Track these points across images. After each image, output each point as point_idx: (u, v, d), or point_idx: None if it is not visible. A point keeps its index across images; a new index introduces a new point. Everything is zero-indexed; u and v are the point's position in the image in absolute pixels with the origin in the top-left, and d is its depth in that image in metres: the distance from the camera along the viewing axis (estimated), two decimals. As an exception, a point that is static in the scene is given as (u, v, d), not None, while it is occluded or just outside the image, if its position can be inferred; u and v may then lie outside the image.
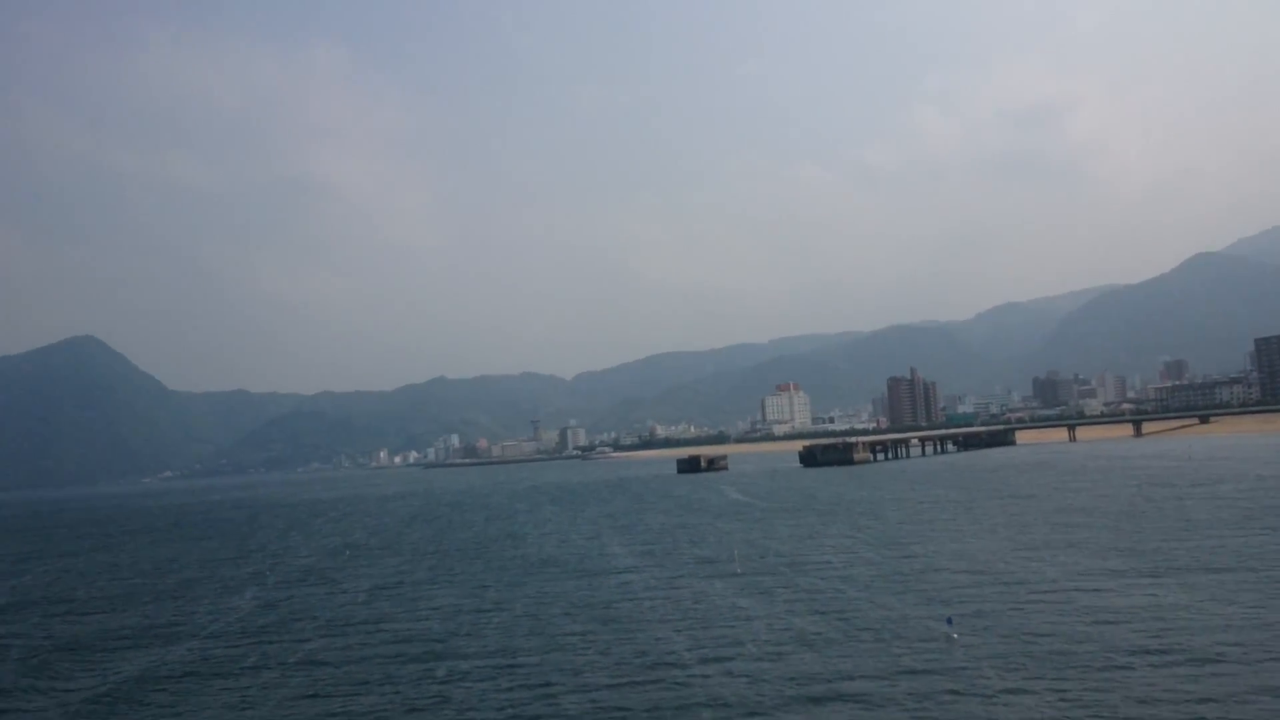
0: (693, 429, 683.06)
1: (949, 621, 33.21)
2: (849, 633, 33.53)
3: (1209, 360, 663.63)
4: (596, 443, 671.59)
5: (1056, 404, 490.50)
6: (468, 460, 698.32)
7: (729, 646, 32.63)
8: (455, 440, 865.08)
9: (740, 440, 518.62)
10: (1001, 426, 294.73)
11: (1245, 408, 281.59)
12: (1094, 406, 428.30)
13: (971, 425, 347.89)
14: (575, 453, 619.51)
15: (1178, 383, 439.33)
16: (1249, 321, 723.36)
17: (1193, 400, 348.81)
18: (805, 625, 35.27)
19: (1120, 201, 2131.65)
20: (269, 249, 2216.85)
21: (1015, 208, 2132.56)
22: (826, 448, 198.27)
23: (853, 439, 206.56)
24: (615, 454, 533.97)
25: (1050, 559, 47.45)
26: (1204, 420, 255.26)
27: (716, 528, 76.12)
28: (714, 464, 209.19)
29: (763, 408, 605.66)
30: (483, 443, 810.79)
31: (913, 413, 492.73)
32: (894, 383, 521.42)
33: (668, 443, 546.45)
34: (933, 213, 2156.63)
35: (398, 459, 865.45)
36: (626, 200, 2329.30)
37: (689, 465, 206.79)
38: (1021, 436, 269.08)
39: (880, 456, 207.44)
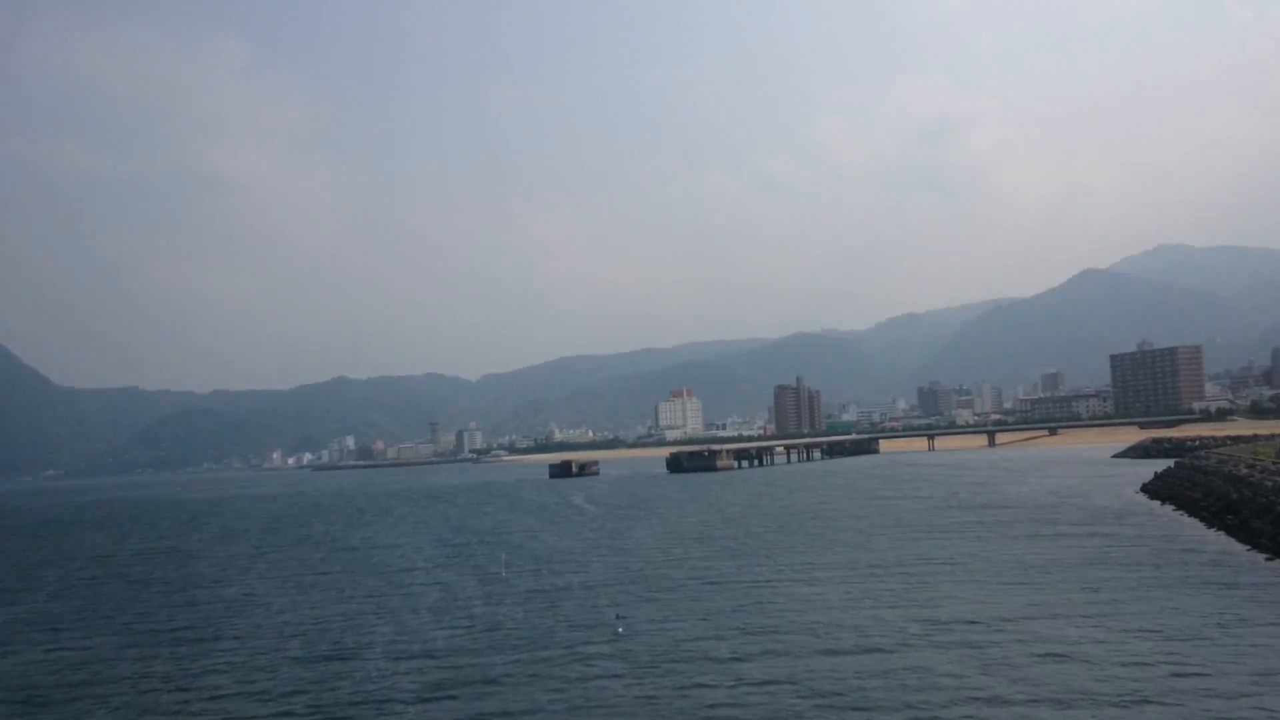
0: (590, 433, 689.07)
1: (617, 616, 39.51)
2: (533, 626, 39.33)
3: (1088, 373, 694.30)
4: (493, 446, 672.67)
5: (936, 413, 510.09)
6: (362, 463, 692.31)
7: (413, 640, 37.98)
8: (350, 442, 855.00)
9: (634, 445, 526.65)
10: (867, 436, 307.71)
11: (1092, 420, 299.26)
12: (966, 416, 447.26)
13: (850, 433, 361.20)
14: (470, 456, 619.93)
15: (1046, 395, 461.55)
16: (1129, 336, 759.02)
17: (1053, 412, 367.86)
18: (504, 617, 40.88)
19: (1016, 217, 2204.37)
20: (163, 241, 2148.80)
21: (916, 221, 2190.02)
22: (692, 455, 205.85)
23: (718, 446, 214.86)
24: (508, 458, 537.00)
25: (777, 559, 54.33)
26: (1053, 432, 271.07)
27: (525, 529, 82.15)
28: (585, 469, 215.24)
29: (656, 414, 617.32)
30: (379, 445, 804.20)
31: (797, 420, 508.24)
32: (780, 391, 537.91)
33: (562, 446, 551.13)
34: (837, 224, 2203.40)
35: (291, 460, 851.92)
36: (536, 201, 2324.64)
37: (561, 470, 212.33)
38: (885, 445, 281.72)
39: (745, 464, 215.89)
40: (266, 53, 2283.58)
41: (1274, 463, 68.65)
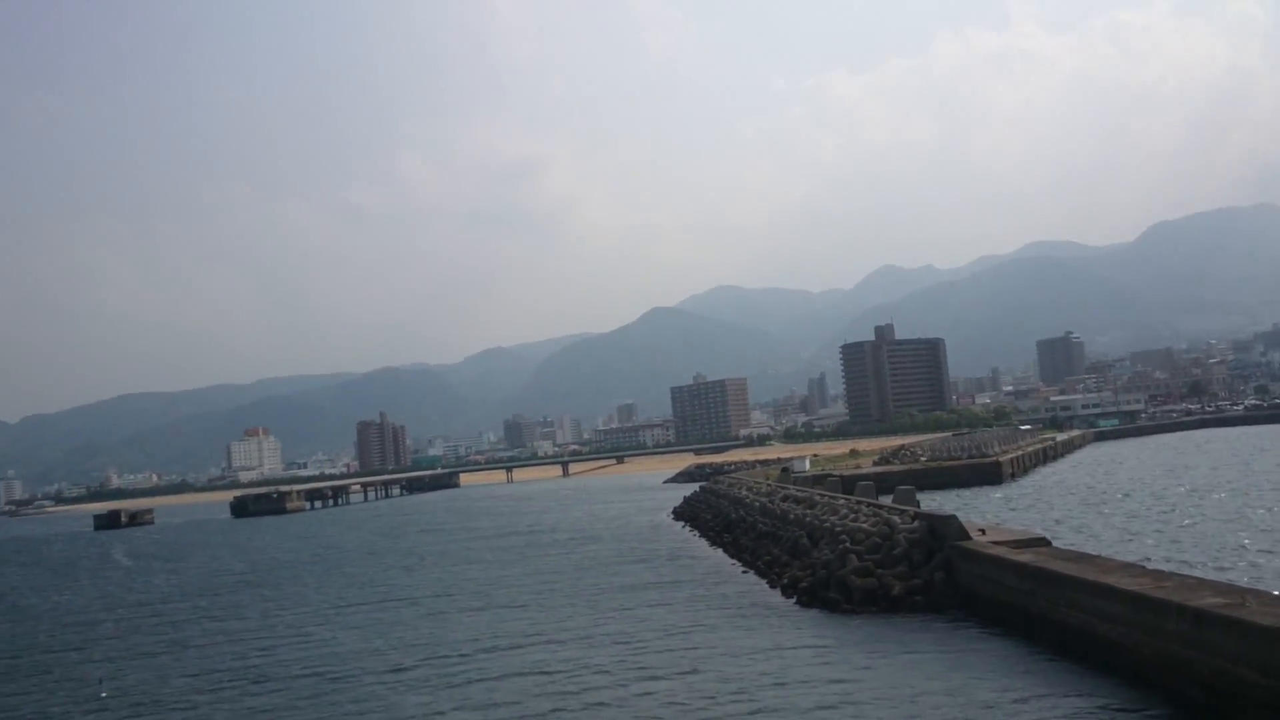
0: (155, 478, 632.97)
1: (100, 680, 36.65)
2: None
3: (657, 404, 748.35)
4: (37, 496, 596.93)
5: (521, 445, 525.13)
6: None
7: None
8: None
9: (204, 489, 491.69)
10: (448, 470, 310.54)
11: (656, 448, 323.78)
12: (547, 448, 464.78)
13: (435, 468, 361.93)
14: (8, 509, 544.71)
15: (620, 425, 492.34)
16: (693, 369, 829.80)
17: (623, 442, 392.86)
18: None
19: (592, 255, 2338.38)
20: None
21: (500, 257, 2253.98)
22: (259, 498, 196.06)
23: (287, 487, 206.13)
24: (54, 508, 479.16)
25: (308, 600, 53.01)
26: (620, 460, 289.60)
27: (33, 588, 73.60)
28: (137, 518, 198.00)
29: (228, 454, 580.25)
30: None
31: (381, 457, 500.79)
32: (363, 427, 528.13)
33: (121, 494, 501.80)
34: (421, 257, 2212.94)
35: None
36: (87, 226, 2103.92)
37: (108, 521, 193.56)
38: (466, 479, 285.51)
39: (318, 504, 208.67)
40: None
41: (769, 485, 78.16)
